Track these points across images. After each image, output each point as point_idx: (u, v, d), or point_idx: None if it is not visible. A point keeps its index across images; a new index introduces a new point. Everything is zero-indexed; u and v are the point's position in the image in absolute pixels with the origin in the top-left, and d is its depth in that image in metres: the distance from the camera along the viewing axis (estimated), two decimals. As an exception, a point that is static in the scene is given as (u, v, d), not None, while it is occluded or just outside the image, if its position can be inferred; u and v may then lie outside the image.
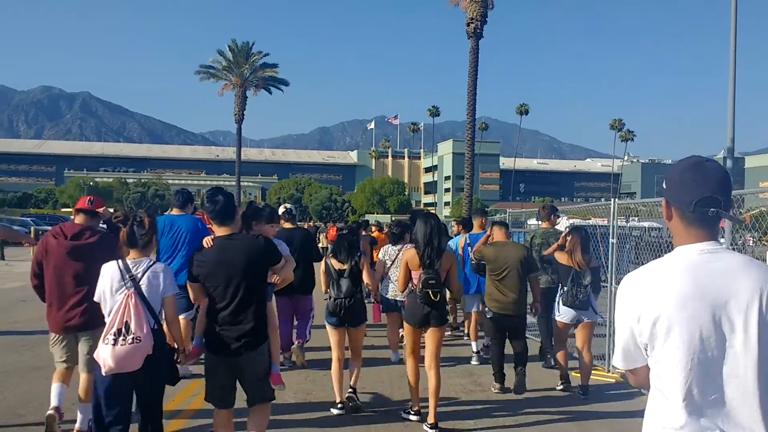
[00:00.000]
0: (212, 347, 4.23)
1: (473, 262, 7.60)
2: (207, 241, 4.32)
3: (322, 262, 6.35)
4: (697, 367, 1.95)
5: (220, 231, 4.29)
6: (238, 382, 4.35)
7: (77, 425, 4.96)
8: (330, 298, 6.07)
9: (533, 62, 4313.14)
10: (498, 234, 7.28)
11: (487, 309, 7.08)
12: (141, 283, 4.13)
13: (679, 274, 2.00)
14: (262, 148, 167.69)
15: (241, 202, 76.76)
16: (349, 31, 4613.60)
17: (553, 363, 7.87)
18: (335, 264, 6.13)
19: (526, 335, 9.22)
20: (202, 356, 4.42)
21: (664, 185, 2.16)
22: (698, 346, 1.94)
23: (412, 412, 5.78)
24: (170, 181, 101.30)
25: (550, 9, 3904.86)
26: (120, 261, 4.20)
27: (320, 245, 28.78)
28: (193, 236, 7.06)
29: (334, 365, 6.07)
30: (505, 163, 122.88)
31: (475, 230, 9.34)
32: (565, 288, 6.87)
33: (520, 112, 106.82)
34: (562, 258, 7.04)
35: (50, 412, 4.94)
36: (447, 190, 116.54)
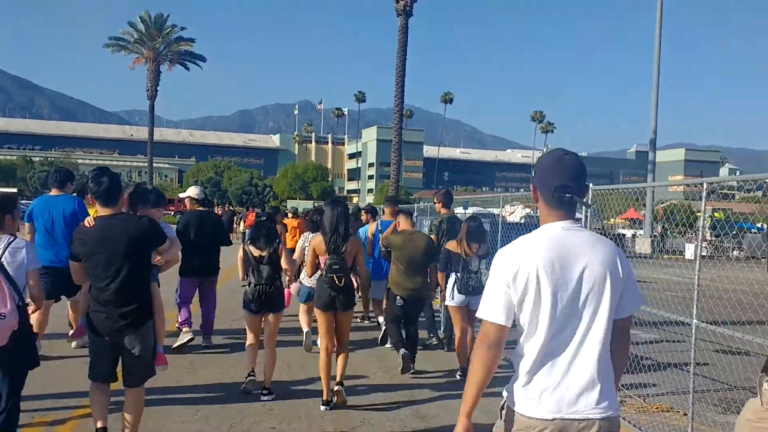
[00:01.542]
0: (94, 327, 4.25)
1: (383, 248, 7.78)
2: (89, 221, 4.33)
3: (240, 249, 6.25)
4: (556, 324, 2.34)
5: (103, 211, 4.31)
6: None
7: None
8: (249, 284, 6.03)
9: (454, 53, 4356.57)
10: (404, 223, 7.58)
11: (396, 296, 7.30)
12: (2, 259, 4.12)
13: (545, 244, 2.40)
14: (180, 129, 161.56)
15: (155, 183, 73.80)
16: (272, 12, 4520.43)
17: (435, 343, 8.50)
18: (254, 251, 6.08)
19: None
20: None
21: (533, 173, 2.56)
22: (558, 305, 2.34)
23: (322, 405, 5.83)
24: (80, 161, 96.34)
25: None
26: None
27: (241, 230, 27.47)
28: (71, 217, 6.87)
29: (250, 348, 6.17)
30: (429, 151, 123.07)
31: (386, 217, 9.50)
32: (458, 275, 6.95)
33: (445, 100, 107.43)
34: (452, 245, 7.12)
35: None
36: (371, 177, 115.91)
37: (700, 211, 5.30)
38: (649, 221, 26.77)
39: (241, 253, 6.17)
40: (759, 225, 24.44)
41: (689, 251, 21.52)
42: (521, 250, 2.41)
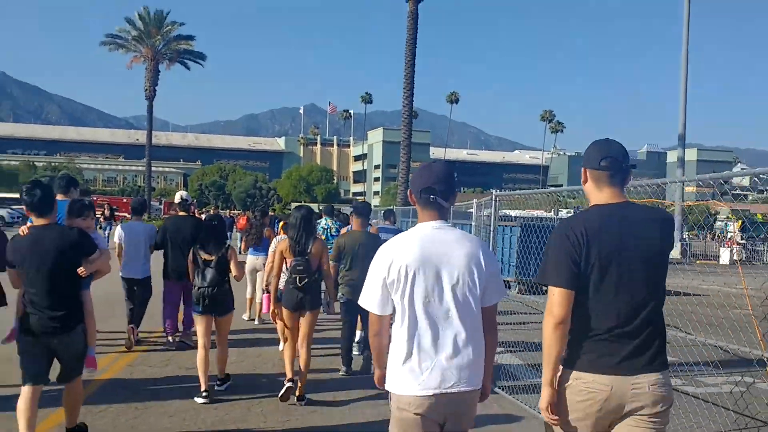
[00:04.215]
0: (24, 329, 4.54)
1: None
2: (23, 230, 4.64)
3: (190, 252, 6.48)
4: (428, 312, 2.73)
5: (38, 221, 4.59)
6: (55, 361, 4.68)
7: None
8: (195, 287, 6.26)
9: (461, 54, 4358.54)
10: (355, 223, 7.85)
11: (340, 294, 7.45)
12: None
13: (417, 242, 2.79)
14: (185, 133, 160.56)
15: (156, 188, 72.34)
16: (279, 15, 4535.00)
17: None
18: (202, 255, 6.29)
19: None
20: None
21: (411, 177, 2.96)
22: (426, 293, 2.73)
23: (286, 381, 6.26)
24: (84, 166, 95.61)
25: None
26: None
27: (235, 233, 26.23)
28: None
29: (200, 353, 6.25)
30: (435, 153, 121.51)
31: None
32: None
33: (451, 100, 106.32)
34: None
35: None
36: (377, 179, 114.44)
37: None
38: (679, 224, 23.20)
39: (190, 255, 6.41)
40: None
41: (725, 256, 19.92)
42: (395, 247, 2.80)
